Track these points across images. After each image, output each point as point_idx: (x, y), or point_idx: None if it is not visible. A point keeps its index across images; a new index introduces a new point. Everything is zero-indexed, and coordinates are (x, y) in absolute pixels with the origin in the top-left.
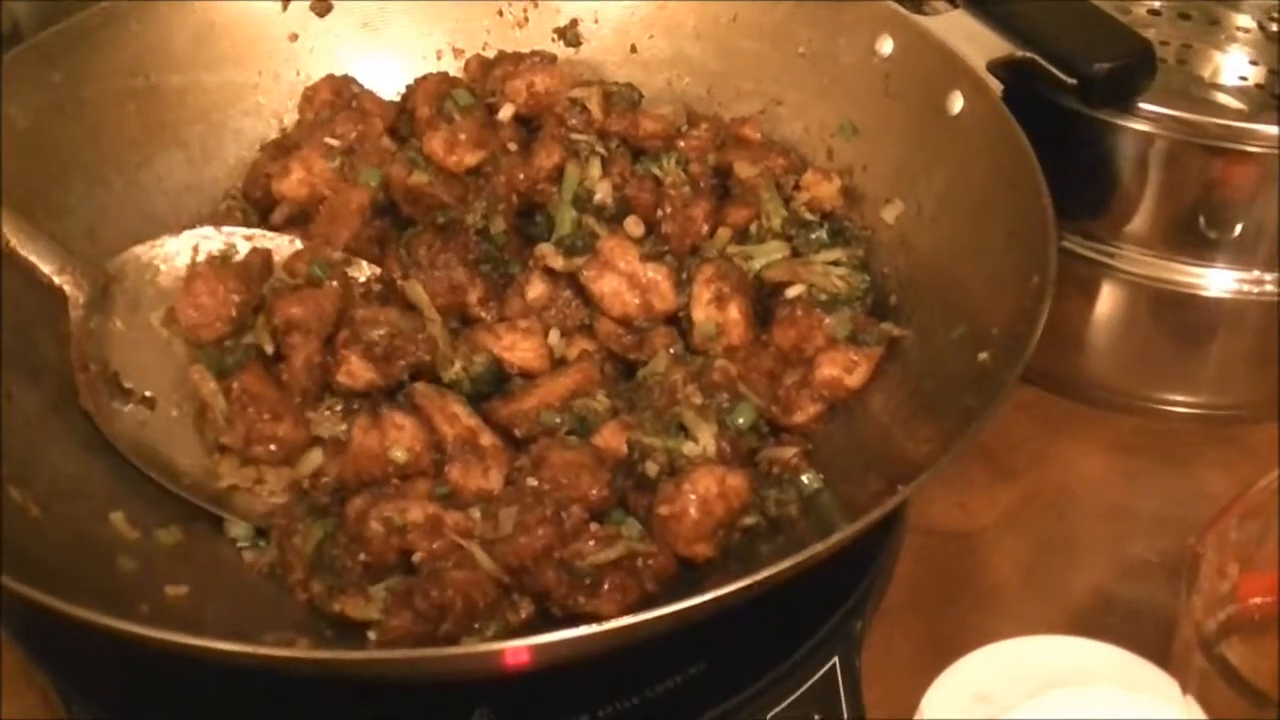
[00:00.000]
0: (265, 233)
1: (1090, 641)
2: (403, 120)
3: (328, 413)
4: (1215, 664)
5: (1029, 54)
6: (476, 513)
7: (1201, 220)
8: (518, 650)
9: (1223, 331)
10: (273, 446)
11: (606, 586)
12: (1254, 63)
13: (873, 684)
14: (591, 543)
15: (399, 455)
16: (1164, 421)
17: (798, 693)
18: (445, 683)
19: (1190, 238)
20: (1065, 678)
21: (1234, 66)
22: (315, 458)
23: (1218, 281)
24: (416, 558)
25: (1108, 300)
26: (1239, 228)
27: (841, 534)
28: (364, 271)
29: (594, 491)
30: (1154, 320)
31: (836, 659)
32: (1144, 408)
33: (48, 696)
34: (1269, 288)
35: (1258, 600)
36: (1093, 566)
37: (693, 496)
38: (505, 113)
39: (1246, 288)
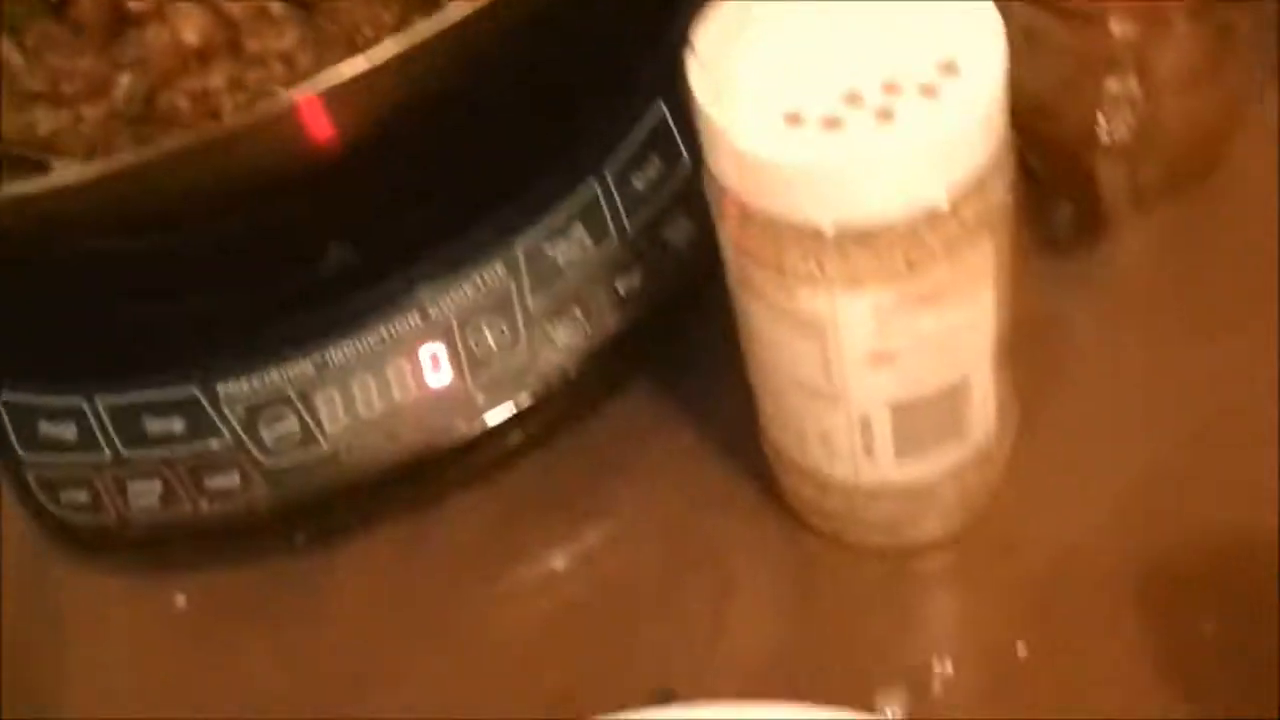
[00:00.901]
0: None
1: None
2: None
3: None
4: None
5: None
6: (278, 65)
7: None
8: (309, 101)
9: None
10: (80, 82)
11: None
12: None
13: None
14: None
15: (190, 37)
16: None
17: (634, 143)
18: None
19: None
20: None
21: None
22: (125, 81)
23: None
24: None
25: None
26: None
27: None
28: None
29: (386, 17)
30: None
31: (661, 102)
32: None
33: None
34: None
35: None
36: None
37: None
38: None
39: None
